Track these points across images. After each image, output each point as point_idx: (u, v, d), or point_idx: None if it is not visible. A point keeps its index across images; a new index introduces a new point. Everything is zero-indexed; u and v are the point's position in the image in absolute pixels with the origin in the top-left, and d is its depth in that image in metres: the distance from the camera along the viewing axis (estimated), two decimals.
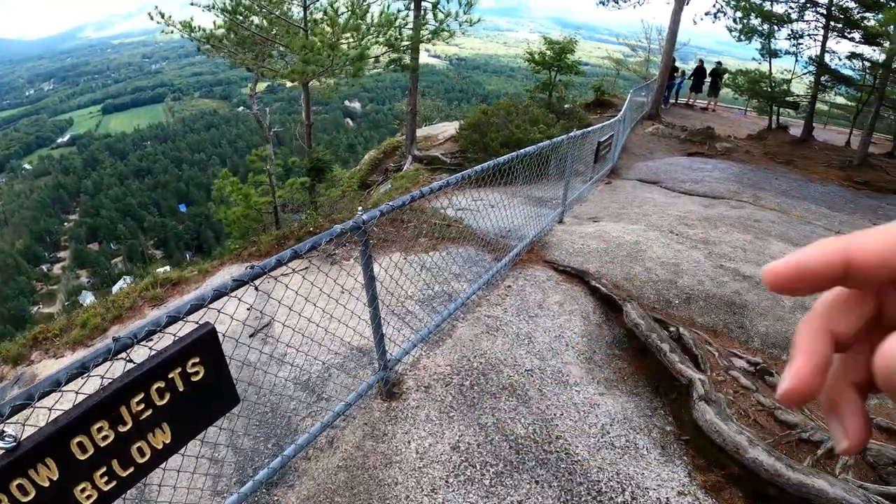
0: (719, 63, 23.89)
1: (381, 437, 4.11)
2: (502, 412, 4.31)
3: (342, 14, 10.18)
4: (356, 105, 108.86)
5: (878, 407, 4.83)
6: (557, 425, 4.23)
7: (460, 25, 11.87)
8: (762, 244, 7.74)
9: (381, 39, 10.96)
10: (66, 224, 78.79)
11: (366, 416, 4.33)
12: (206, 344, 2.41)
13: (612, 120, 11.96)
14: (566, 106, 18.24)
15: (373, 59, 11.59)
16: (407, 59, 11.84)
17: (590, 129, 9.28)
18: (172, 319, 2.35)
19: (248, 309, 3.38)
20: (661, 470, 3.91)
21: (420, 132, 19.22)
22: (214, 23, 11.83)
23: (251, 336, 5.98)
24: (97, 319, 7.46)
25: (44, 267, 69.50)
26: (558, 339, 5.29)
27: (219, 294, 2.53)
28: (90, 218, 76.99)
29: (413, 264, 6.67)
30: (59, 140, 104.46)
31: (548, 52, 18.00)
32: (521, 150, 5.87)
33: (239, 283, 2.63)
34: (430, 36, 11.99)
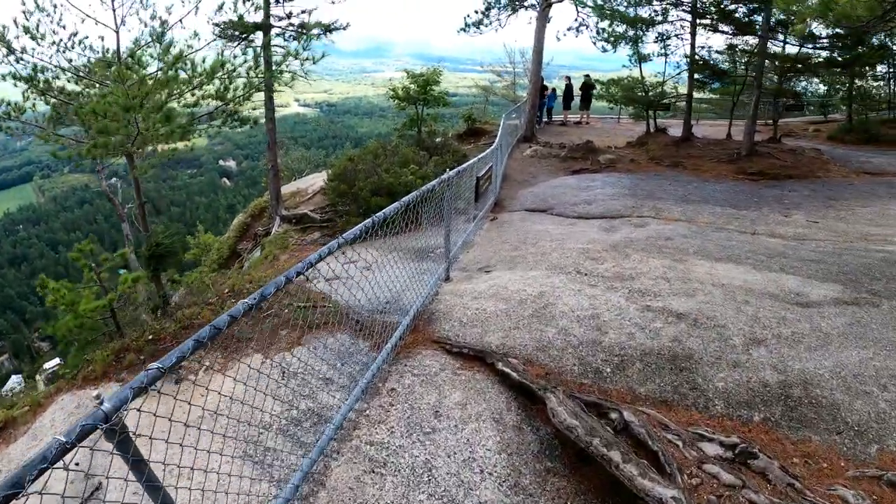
0: (588, 76, 23.95)
1: None
2: None
3: (148, 66, 8.47)
4: (231, 164, 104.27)
5: (881, 454, 3.72)
6: None
7: (302, 64, 10.40)
8: (684, 267, 6.64)
9: (209, 91, 9.28)
10: None
11: None
12: None
13: (488, 149, 10.83)
14: (437, 140, 17.28)
15: (206, 116, 9.88)
16: (246, 113, 10.21)
17: (465, 165, 7.97)
18: None
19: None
20: None
21: (288, 188, 17.74)
22: (24, 95, 9.87)
23: None
24: None
25: None
26: (468, 464, 3.77)
27: None
28: None
29: (275, 368, 5.03)
30: None
31: (412, 87, 17.06)
32: (370, 219, 4.28)
33: None
34: (270, 78, 10.44)
